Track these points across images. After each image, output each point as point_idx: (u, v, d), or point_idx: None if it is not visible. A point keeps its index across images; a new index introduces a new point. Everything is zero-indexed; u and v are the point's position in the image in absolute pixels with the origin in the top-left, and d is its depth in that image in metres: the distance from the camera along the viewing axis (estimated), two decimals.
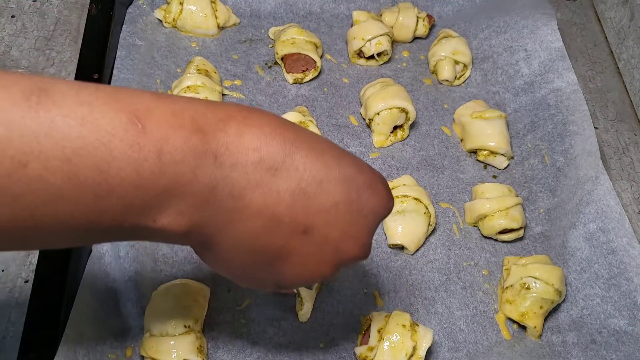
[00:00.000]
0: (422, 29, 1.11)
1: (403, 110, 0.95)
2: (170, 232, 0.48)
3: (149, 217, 0.46)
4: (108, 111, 0.43)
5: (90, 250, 0.78)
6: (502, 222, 0.86)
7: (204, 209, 0.47)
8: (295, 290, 0.78)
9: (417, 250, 0.87)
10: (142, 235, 0.49)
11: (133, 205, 0.45)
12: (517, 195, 0.91)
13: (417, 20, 1.09)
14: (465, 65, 1.06)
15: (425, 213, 0.86)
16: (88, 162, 0.42)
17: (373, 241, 0.86)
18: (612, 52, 1.16)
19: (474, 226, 0.91)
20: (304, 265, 0.54)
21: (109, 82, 0.92)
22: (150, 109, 0.45)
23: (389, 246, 0.87)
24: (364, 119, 0.99)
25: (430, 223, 0.87)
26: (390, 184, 0.89)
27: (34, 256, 0.80)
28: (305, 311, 0.79)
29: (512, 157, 0.98)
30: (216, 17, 1.05)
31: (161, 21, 1.06)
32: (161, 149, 0.44)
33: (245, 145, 0.47)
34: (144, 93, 0.46)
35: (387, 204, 0.56)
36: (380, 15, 1.10)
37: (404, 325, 0.73)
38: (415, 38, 1.12)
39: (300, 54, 1.00)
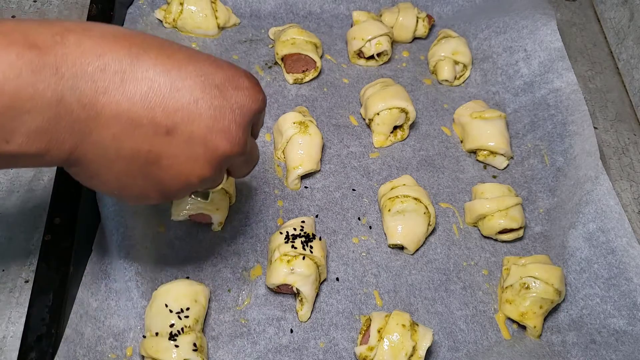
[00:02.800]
0: (421, 29, 1.11)
1: (403, 110, 0.95)
2: (29, 154, 0.49)
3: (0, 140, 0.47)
4: None
5: (91, 251, 0.79)
6: (502, 222, 0.87)
7: (57, 123, 0.48)
8: (295, 290, 0.78)
9: (417, 250, 0.87)
10: (5, 162, 0.50)
11: None
12: (517, 195, 0.91)
13: (417, 21, 1.10)
14: (465, 66, 1.06)
15: (425, 213, 0.86)
16: None
17: (373, 241, 0.87)
18: (611, 52, 1.16)
19: (474, 226, 0.91)
20: (177, 167, 0.54)
21: None
22: None
23: (389, 246, 0.87)
24: (364, 119, 0.99)
25: (430, 223, 0.87)
26: (390, 184, 0.89)
27: (34, 256, 0.80)
28: (305, 311, 0.79)
29: (512, 157, 0.98)
30: (216, 18, 1.05)
31: (161, 21, 1.06)
32: None
33: (87, 53, 0.48)
34: None
35: (255, 97, 0.56)
36: (380, 15, 1.10)
37: (403, 325, 0.73)
38: (415, 38, 1.12)
39: (300, 54, 1.00)
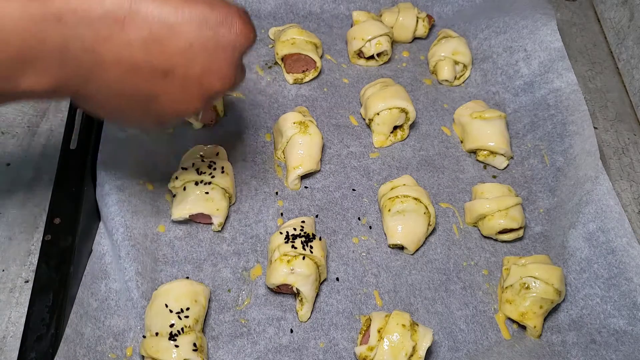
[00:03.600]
0: (421, 29, 1.11)
1: (403, 110, 0.95)
2: (37, 92, 0.54)
3: (11, 82, 0.52)
4: None
5: (91, 251, 0.79)
6: (502, 222, 0.87)
7: (63, 67, 0.53)
8: (295, 290, 0.78)
9: (417, 250, 0.87)
10: (14, 98, 0.56)
11: None
12: (517, 195, 0.91)
13: (417, 21, 1.10)
14: (465, 66, 1.06)
15: (425, 213, 0.86)
16: None
17: (373, 241, 0.87)
18: (611, 52, 1.16)
19: (474, 226, 0.91)
20: (174, 103, 0.61)
21: None
22: None
23: (389, 246, 0.87)
24: (364, 119, 0.99)
25: (430, 223, 0.87)
26: (390, 184, 0.89)
27: (34, 256, 0.80)
28: (305, 311, 0.79)
29: (512, 157, 0.98)
30: None
31: None
32: None
33: (88, 1, 0.52)
34: None
35: (247, 35, 0.60)
36: (380, 15, 1.10)
37: (403, 325, 0.73)
38: (415, 38, 1.12)
39: (300, 54, 1.00)
